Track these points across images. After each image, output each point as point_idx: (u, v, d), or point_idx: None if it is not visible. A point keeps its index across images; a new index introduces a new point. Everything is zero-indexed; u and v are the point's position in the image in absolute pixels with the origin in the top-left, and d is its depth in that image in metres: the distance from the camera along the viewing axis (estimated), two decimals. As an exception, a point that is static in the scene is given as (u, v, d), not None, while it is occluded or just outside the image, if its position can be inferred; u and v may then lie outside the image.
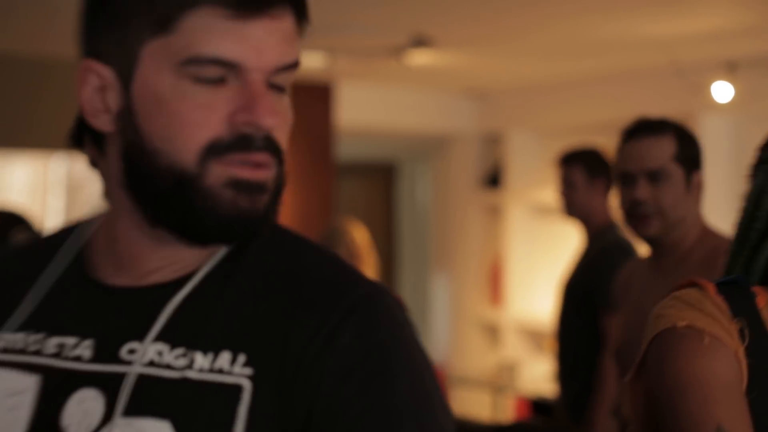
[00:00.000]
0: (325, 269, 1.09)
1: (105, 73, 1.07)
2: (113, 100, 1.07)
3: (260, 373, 1.02)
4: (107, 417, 1.03)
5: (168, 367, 1.04)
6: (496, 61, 5.94)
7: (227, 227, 1.04)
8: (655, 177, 2.54)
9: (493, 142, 7.22)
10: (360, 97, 6.79)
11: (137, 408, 1.02)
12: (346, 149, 7.48)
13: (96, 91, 1.07)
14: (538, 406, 6.17)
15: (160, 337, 1.05)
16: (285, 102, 1.08)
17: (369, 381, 1.01)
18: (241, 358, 1.03)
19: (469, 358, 7.22)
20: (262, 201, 1.05)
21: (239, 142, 1.03)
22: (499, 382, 6.70)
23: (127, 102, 1.06)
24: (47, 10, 4.95)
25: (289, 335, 1.03)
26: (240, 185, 1.04)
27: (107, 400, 1.04)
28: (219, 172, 1.03)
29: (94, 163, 1.14)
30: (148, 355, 1.05)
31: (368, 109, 6.89)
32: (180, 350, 1.05)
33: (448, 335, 7.55)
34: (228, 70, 1.03)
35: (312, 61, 5.66)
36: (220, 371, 1.03)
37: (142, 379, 1.04)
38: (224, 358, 1.03)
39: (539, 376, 6.57)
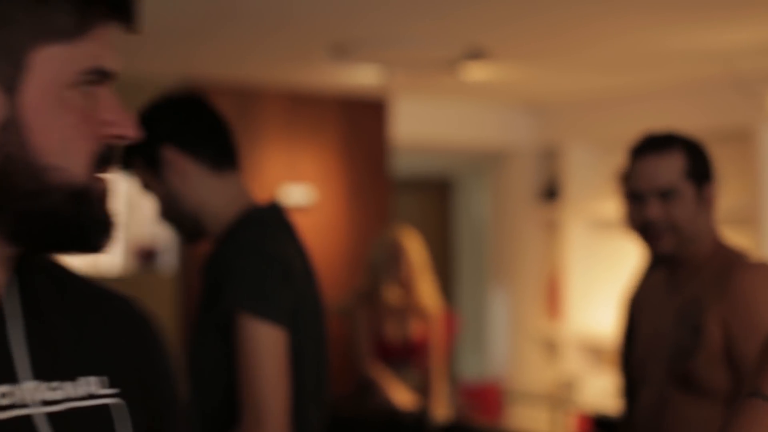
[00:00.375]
0: (90, 284, 1.18)
1: None
2: None
3: (123, 392, 1.11)
4: None
5: (55, 402, 1.05)
6: (553, 74, 5.90)
7: (108, 237, 1.05)
8: (665, 195, 2.51)
9: (550, 155, 7.17)
10: (416, 111, 6.78)
11: None
12: (402, 164, 7.46)
13: None
14: (600, 423, 6.09)
15: (28, 375, 1.04)
16: None
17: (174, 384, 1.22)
18: (105, 380, 1.10)
19: (528, 373, 7.16)
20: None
21: (109, 154, 1.04)
22: (558, 397, 6.63)
23: (12, 113, 0.98)
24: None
25: (123, 350, 1.14)
26: (107, 196, 1.06)
27: None
28: (97, 185, 1.03)
29: None
30: (31, 395, 1.03)
31: (425, 123, 6.87)
32: (53, 384, 1.05)
33: (507, 350, 7.49)
34: (102, 80, 1.03)
35: (367, 76, 5.66)
36: (92, 396, 1.08)
37: (39, 418, 1.03)
38: (92, 382, 1.09)
39: (599, 391, 6.49)
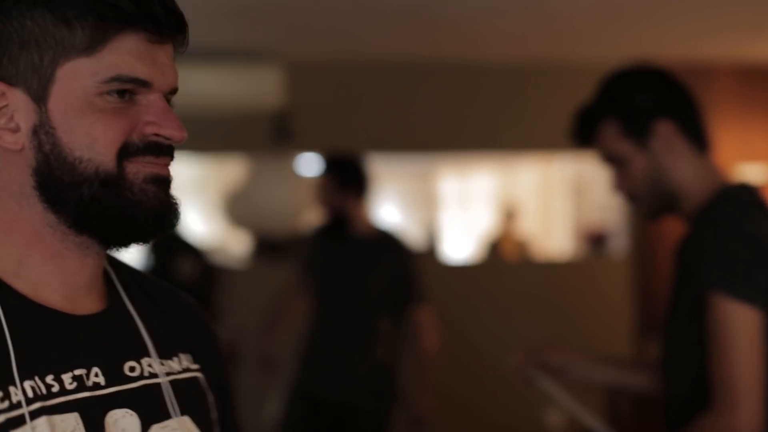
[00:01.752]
0: (159, 280, 1.36)
1: (12, 94, 1.14)
2: (23, 119, 1.14)
3: (203, 368, 1.30)
4: (145, 427, 1.20)
5: (165, 374, 1.25)
6: None
7: (156, 220, 1.17)
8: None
9: None
10: None
11: (164, 412, 1.23)
12: None
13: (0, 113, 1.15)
14: None
15: (148, 353, 1.25)
16: None
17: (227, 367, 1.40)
18: (189, 356, 1.29)
19: None
20: (174, 195, 1.19)
21: (148, 148, 1.16)
22: None
23: (42, 118, 1.14)
24: (532, 14, 5.08)
25: (197, 338, 1.32)
26: (158, 180, 1.17)
27: (139, 414, 1.19)
28: (135, 170, 1.15)
29: None
30: (150, 368, 1.23)
31: None
32: (160, 360, 1.25)
33: None
34: (139, 87, 1.15)
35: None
36: (188, 369, 1.28)
37: (156, 387, 1.23)
38: (183, 359, 1.28)
39: None
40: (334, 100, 6.33)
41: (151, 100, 1.16)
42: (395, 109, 6.38)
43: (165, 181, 1.18)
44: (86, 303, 1.20)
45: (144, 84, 1.15)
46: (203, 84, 6.21)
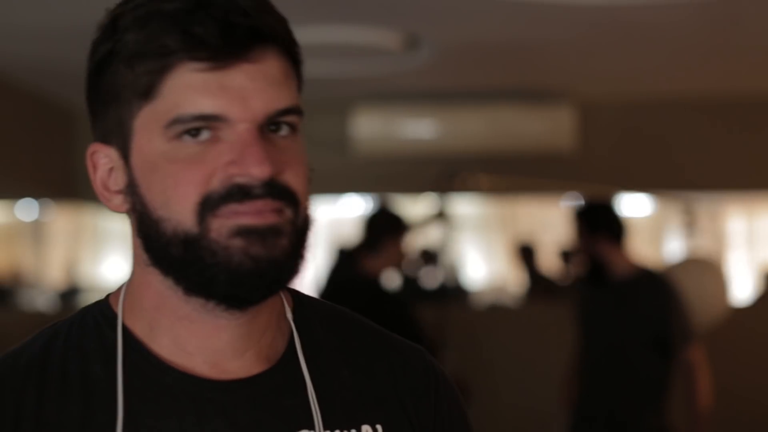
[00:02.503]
0: (378, 333, 1.17)
1: (111, 153, 1.06)
2: (120, 178, 1.06)
3: None
4: None
5: None
6: None
7: (243, 279, 1.01)
8: None
9: None
10: None
11: None
12: None
13: (107, 174, 1.07)
14: None
15: (310, 425, 1.07)
16: (291, 144, 1.04)
17: (462, 425, 1.18)
18: (379, 428, 1.10)
19: None
20: (280, 245, 1.01)
21: (232, 194, 1.00)
22: None
23: (130, 177, 1.05)
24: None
25: (405, 402, 1.12)
26: (248, 232, 1.00)
27: None
28: (218, 225, 1.00)
29: None
30: None
31: None
32: None
33: None
34: (215, 123, 1.00)
35: None
36: None
37: None
38: (366, 430, 1.09)
39: None
40: (621, 140, 6.49)
41: (233, 134, 1.01)
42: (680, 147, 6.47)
43: (258, 232, 1.00)
44: (235, 366, 1.07)
45: (215, 119, 1.00)
46: (496, 125, 6.58)
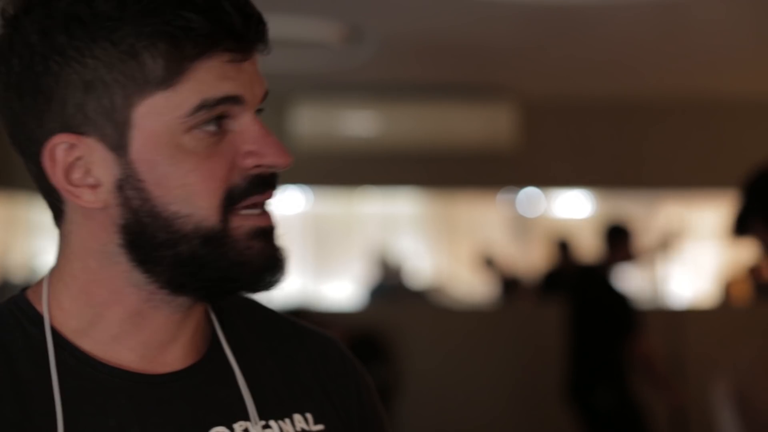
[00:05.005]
0: (291, 322, 1.16)
1: (85, 145, 0.98)
2: (104, 173, 0.98)
3: (329, 428, 1.10)
4: None
5: None
6: None
7: (261, 278, 1.01)
8: None
9: None
10: None
11: None
12: None
13: (72, 167, 0.98)
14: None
15: (245, 416, 1.06)
16: None
17: (380, 410, 1.19)
18: (309, 416, 1.09)
19: None
20: (280, 244, 1.03)
21: (252, 186, 1.00)
22: None
23: (125, 170, 0.98)
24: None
25: (328, 389, 1.12)
26: (263, 233, 1.01)
27: None
28: (238, 224, 0.99)
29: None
30: None
31: None
32: (262, 422, 1.06)
33: None
34: (229, 107, 0.98)
35: None
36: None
37: None
38: (298, 420, 1.08)
39: None
40: (565, 138, 6.50)
41: (244, 123, 1.00)
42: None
43: (270, 233, 1.02)
44: (168, 359, 1.04)
45: (235, 100, 0.98)
46: (438, 120, 6.55)
